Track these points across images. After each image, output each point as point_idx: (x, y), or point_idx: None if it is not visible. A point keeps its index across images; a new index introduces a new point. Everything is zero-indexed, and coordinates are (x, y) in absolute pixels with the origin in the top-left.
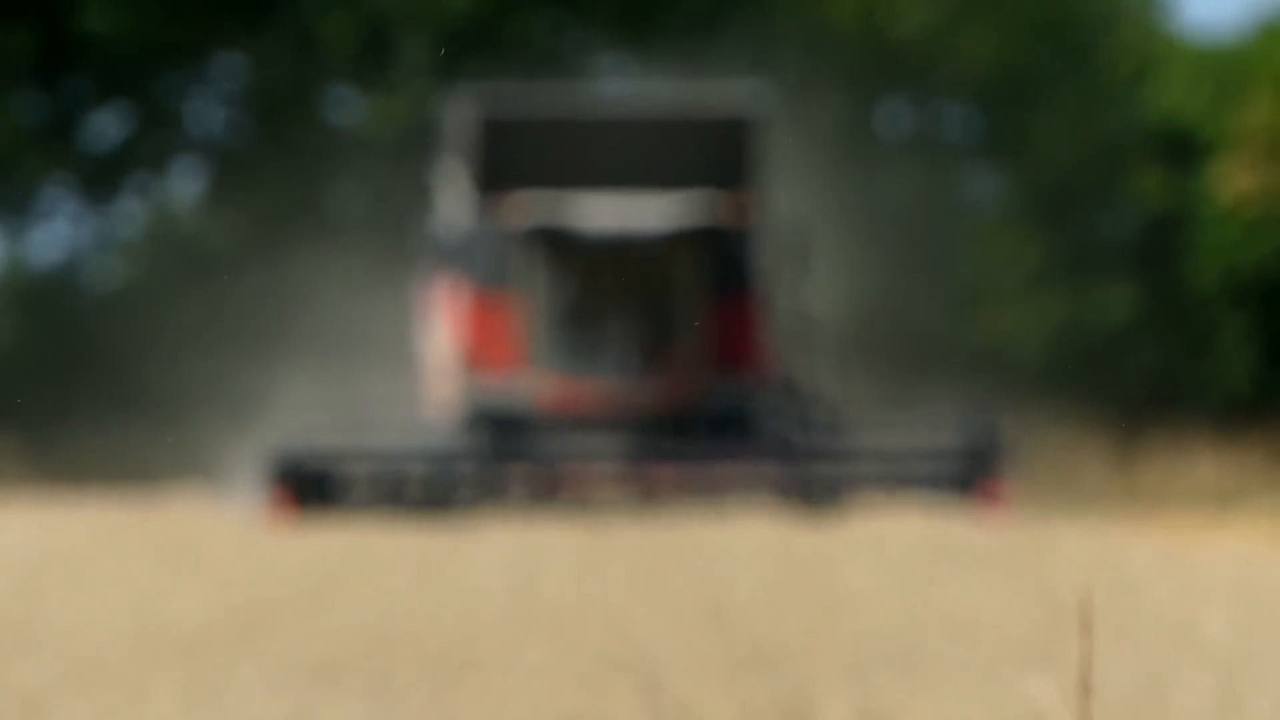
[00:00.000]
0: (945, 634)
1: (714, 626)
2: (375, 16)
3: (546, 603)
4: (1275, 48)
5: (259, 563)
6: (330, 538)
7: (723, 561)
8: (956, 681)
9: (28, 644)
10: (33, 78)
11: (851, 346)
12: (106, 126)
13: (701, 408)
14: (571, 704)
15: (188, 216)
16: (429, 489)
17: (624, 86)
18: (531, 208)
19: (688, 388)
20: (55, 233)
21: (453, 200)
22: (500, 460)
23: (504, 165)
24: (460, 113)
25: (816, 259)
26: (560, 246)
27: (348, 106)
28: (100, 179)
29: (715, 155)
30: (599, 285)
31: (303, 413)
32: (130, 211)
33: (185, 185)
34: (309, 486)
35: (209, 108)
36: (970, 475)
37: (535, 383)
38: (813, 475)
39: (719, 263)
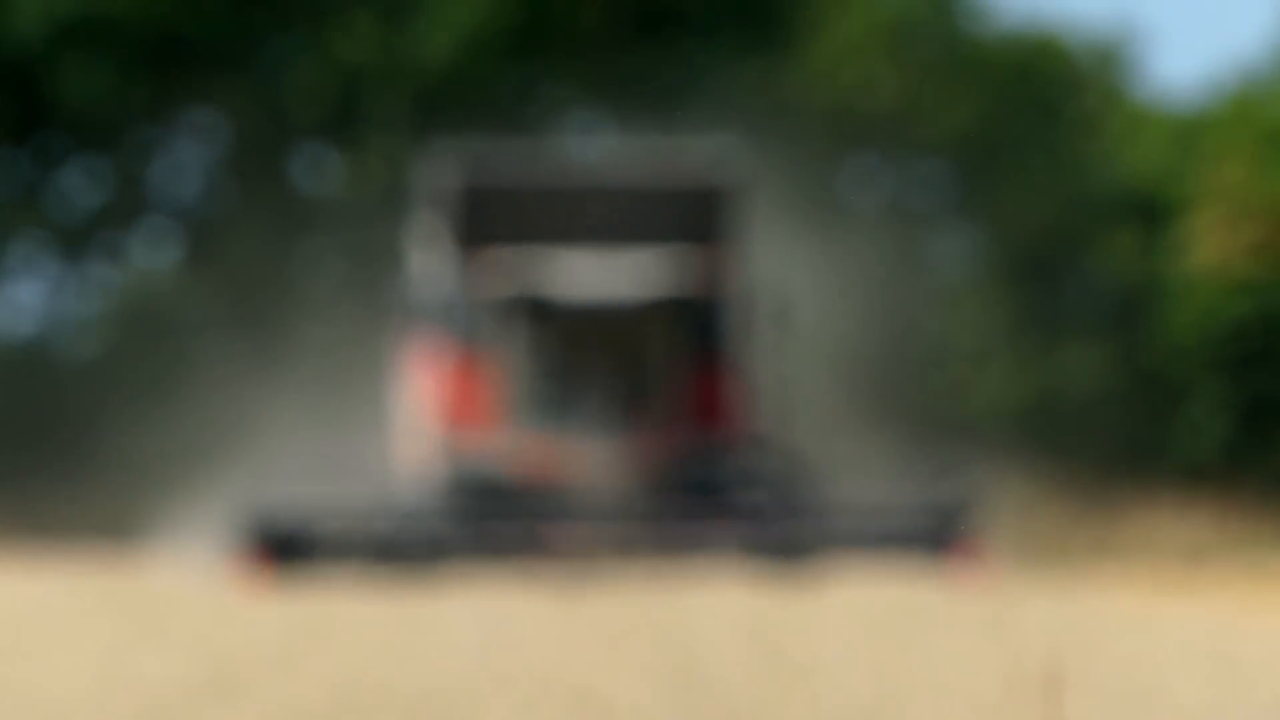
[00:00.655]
0: (915, 696)
1: (683, 689)
2: (348, 73)
3: (519, 663)
4: (1242, 112)
5: (230, 624)
6: (302, 598)
7: (692, 626)
8: None
9: None
10: (5, 140)
11: (825, 407)
12: (78, 191)
13: (677, 470)
14: None
15: (161, 281)
16: (403, 549)
17: (598, 144)
18: (509, 273)
19: (664, 450)
20: (28, 297)
21: (429, 262)
22: (475, 520)
23: (481, 227)
24: (436, 173)
25: (792, 320)
26: (538, 313)
27: (321, 168)
28: (72, 242)
29: (691, 217)
30: (576, 350)
31: (277, 473)
32: (102, 278)
33: (156, 251)
34: (283, 546)
35: (181, 172)
36: (942, 534)
37: (511, 444)
38: (785, 534)
39: (695, 327)
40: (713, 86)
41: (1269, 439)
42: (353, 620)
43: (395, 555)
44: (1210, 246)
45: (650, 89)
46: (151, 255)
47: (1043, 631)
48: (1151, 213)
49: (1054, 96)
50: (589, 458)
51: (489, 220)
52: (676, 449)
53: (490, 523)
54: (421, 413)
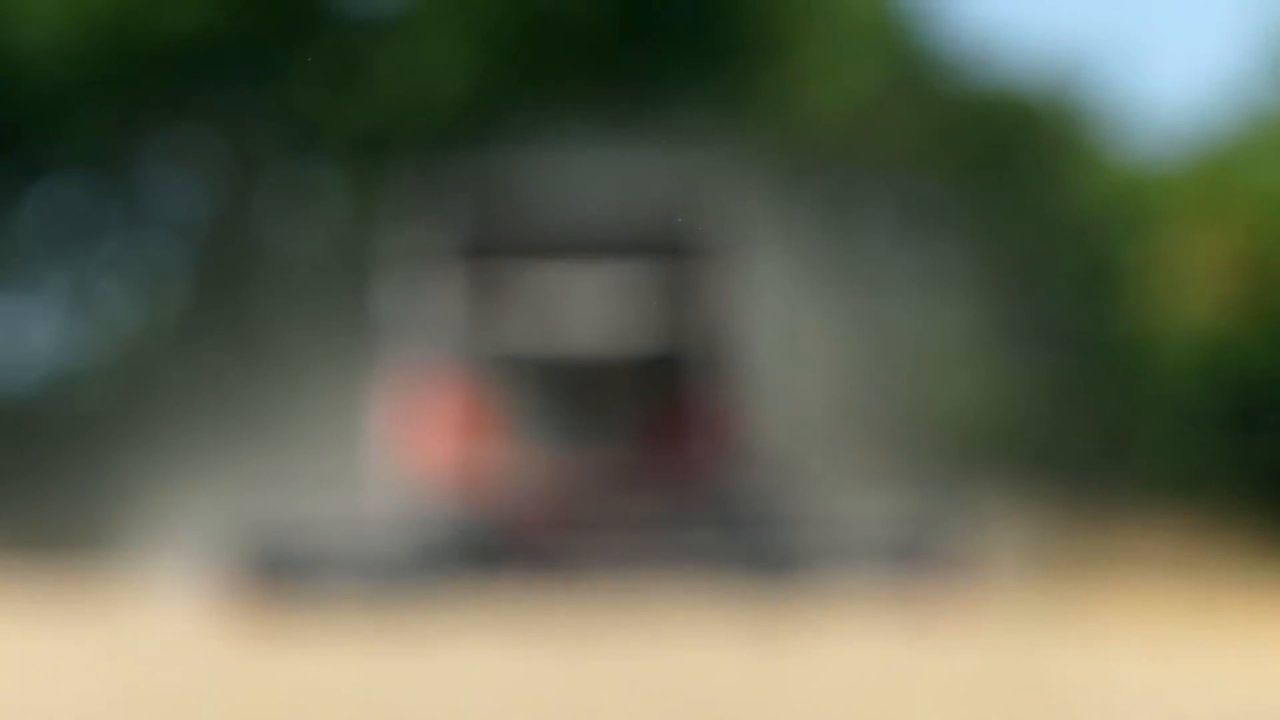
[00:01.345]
0: None
1: None
2: (369, 109)
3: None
4: (1215, 179)
5: (221, 678)
6: (294, 649)
7: (655, 693)
8: None
9: None
10: None
11: (806, 420)
12: (35, 235)
13: (667, 484)
14: None
15: (134, 336)
16: (395, 569)
17: (583, 160)
18: (503, 323)
19: (653, 465)
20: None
21: (408, 281)
22: (465, 537)
23: (461, 245)
24: (419, 191)
25: (784, 332)
26: (530, 367)
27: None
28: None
29: (676, 231)
30: (568, 392)
31: (262, 489)
32: (74, 333)
33: (123, 298)
34: (273, 565)
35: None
36: (925, 547)
37: (500, 458)
38: (770, 548)
39: (689, 367)
40: (697, 102)
41: (1245, 451)
42: (347, 686)
43: (388, 575)
44: (1185, 299)
45: (637, 104)
46: (117, 305)
47: (1039, 687)
48: (1107, 266)
49: (1036, 159)
50: (576, 472)
51: (470, 238)
52: (665, 464)
53: (481, 538)
54: (404, 431)
